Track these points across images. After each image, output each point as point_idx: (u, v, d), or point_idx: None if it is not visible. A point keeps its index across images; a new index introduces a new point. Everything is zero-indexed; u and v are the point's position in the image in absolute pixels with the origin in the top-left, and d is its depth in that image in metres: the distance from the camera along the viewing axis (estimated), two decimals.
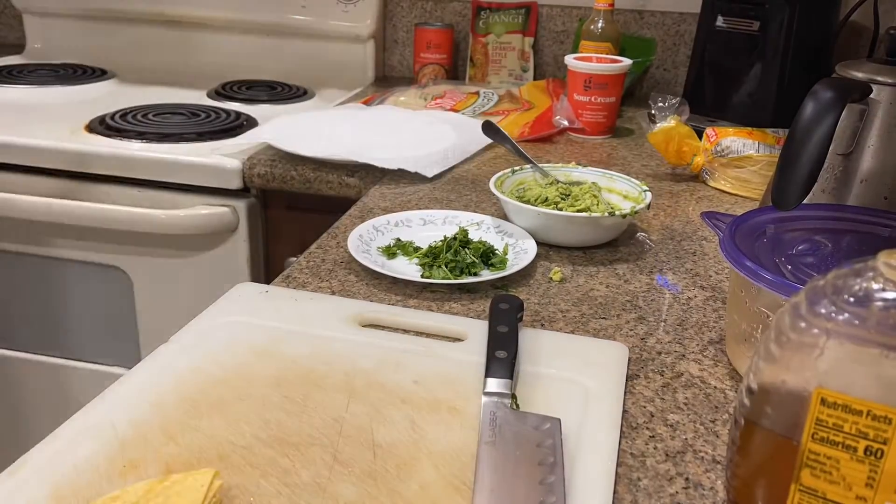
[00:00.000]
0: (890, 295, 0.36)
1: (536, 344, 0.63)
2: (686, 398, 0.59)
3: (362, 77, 1.66)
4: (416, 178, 1.05)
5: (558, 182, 0.91)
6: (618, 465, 0.51)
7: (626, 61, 1.26)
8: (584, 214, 0.82)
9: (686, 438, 0.55)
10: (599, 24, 1.36)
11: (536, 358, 0.62)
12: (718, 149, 1.07)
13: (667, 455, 0.53)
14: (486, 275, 0.76)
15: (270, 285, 0.73)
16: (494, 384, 0.56)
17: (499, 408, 0.54)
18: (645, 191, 0.88)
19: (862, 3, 1.23)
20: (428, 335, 0.66)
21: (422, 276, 0.75)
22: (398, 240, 0.82)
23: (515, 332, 0.62)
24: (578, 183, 0.92)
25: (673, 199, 1.03)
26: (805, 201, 0.67)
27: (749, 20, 1.26)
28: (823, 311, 0.38)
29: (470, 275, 0.76)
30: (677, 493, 0.49)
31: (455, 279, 0.74)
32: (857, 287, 0.37)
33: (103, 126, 1.23)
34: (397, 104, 1.38)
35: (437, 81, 1.55)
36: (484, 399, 0.55)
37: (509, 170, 0.92)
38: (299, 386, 0.57)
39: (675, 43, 1.57)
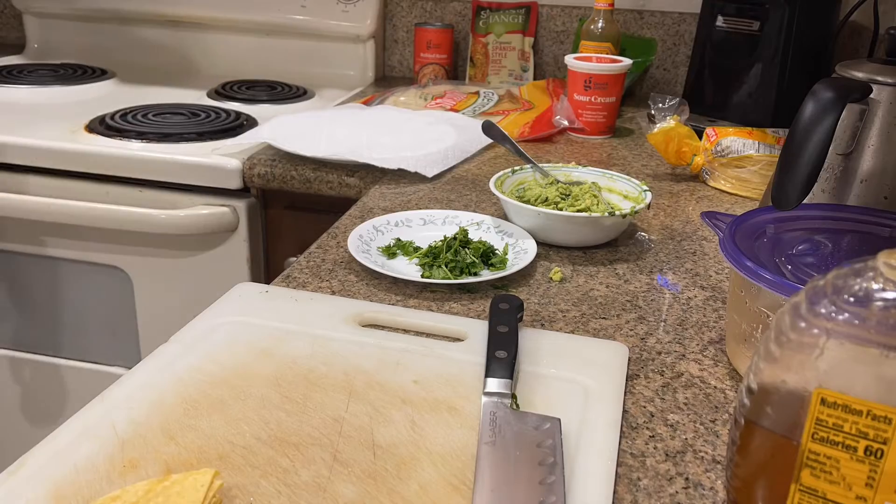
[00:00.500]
0: (890, 295, 0.36)
1: (536, 344, 0.63)
2: (686, 398, 0.59)
3: (362, 77, 1.66)
4: (416, 178, 1.05)
5: (558, 182, 0.91)
6: (618, 465, 0.51)
7: (626, 61, 1.26)
8: (583, 214, 0.82)
9: (686, 438, 0.55)
10: (599, 24, 1.36)
11: (536, 358, 0.61)
12: (718, 149, 1.07)
13: (667, 455, 0.53)
14: (486, 275, 0.76)
15: (270, 285, 0.73)
16: (494, 384, 0.56)
17: (499, 408, 0.54)
18: (645, 191, 0.88)
19: (862, 3, 1.23)
20: (428, 335, 0.66)
21: (422, 276, 0.75)
22: (398, 240, 0.82)
23: (515, 332, 0.62)
24: (578, 183, 0.92)
25: (673, 199, 1.03)
26: (805, 201, 0.67)
27: (749, 20, 1.26)
28: (823, 311, 0.38)
29: (470, 275, 0.76)
30: (677, 493, 0.49)
31: (455, 279, 0.74)
32: (857, 287, 0.37)
33: (103, 126, 1.23)
34: (397, 104, 1.38)
35: (437, 81, 1.55)
36: (484, 399, 0.55)
37: (509, 170, 0.92)
38: (299, 386, 0.57)
39: (675, 43, 1.57)
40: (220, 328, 0.64)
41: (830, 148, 0.68)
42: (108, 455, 0.49)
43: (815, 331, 0.38)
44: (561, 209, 0.84)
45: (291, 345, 0.62)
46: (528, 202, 0.86)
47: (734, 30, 1.28)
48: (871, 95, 0.74)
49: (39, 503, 0.44)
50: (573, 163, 0.98)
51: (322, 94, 1.52)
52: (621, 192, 0.91)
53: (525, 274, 0.78)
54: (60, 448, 0.49)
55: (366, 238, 0.81)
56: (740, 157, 1.06)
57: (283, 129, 1.17)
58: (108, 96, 1.45)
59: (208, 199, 1.14)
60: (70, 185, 1.17)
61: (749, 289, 0.58)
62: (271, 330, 0.64)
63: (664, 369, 0.63)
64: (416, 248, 0.81)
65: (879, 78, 0.75)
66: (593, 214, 0.82)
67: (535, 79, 1.61)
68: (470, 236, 0.81)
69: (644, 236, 0.89)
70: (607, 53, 1.34)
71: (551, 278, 0.78)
